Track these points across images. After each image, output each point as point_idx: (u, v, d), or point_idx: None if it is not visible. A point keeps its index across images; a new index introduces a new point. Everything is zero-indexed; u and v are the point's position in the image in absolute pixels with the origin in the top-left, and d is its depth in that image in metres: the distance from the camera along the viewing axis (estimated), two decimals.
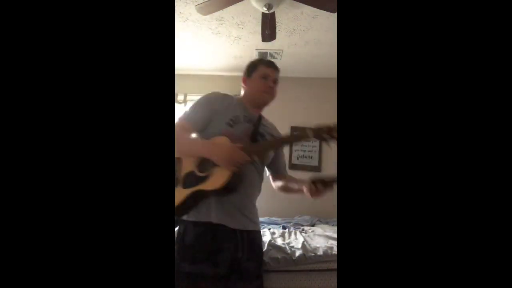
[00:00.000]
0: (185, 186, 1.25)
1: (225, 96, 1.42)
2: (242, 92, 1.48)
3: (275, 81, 1.47)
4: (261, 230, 2.60)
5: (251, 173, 1.35)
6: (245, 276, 1.28)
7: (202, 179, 1.23)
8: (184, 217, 1.28)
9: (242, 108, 1.41)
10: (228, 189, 1.22)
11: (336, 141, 1.18)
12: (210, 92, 1.43)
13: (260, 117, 1.47)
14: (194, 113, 1.35)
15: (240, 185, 1.26)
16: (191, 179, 1.25)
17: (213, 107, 1.35)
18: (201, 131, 1.31)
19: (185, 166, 1.28)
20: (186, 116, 1.34)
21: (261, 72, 1.45)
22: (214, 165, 1.21)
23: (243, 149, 1.21)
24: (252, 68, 1.48)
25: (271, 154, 1.47)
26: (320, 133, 1.21)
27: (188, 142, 1.28)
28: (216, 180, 1.21)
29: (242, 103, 1.44)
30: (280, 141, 1.48)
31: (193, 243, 1.24)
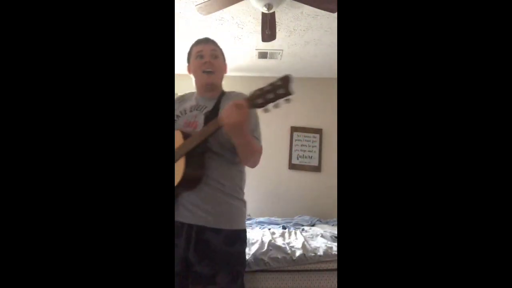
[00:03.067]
0: None
1: (183, 96, 1.38)
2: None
3: (214, 55, 1.32)
4: (261, 230, 2.63)
5: (217, 164, 1.19)
6: (196, 279, 1.15)
7: None
8: None
9: (194, 99, 1.34)
10: (187, 184, 1.13)
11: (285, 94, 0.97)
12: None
13: (220, 98, 1.30)
14: None
15: (202, 178, 1.15)
16: None
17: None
18: None
19: None
20: None
21: (194, 51, 1.36)
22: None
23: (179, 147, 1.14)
24: (189, 54, 1.40)
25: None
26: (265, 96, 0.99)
27: None
28: (175, 176, 1.13)
29: (197, 94, 1.37)
30: (215, 124, 1.10)
31: None
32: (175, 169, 1.13)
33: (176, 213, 1.16)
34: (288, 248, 2.09)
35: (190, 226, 1.16)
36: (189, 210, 1.16)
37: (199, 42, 1.38)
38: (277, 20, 2.49)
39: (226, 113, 1.02)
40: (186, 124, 1.26)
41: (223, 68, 1.37)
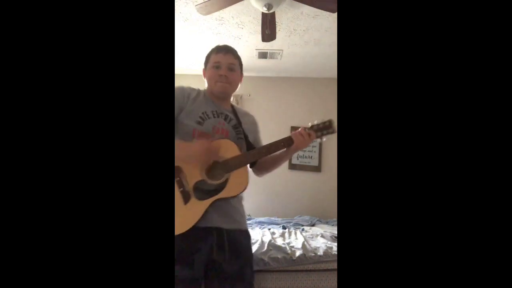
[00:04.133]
0: (199, 196, 1.16)
1: (191, 90, 1.34)
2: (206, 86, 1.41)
3: (231, 68, 1.33)
4: (261, 230, 2.63)
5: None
6: (223, 278, 1.19)
7: (219, 187, 1.17)
8: None
9: (210, 102, 1.34)
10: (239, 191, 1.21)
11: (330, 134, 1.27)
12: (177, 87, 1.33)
13: (234, 110, 1.38)
14: None
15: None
16: (204, 188, 1.17)
17: (178, 103, 1.26)
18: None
19: (191, 175, 1.17)
20: None
21: (212, 61, 1.34)
22: (226, 170, 1.17)
23: (241, 156, 1.20)
24: (206, 59, 1.39)
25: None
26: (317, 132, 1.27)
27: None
28: (237, 185, 1.18)
29: (208, 97, 1.36)
30: (266, 150, 1.27)
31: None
32: (240, 177, 1.19)
33: (206, 219, 1.17)
34: (288, 248, 2.09)
35: (220, 230, 1.20)
36: (224, 216, 1.22)
37: (218, 51, 1.35)
38: (277, 20, 2.49)
39: (301, 138, 1.25)
40: (215, 129, 1.28)
41: (238, 81, 1.39)
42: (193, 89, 1.36)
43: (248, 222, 3.05)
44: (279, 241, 2.26)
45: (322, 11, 2.29)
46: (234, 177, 1.18)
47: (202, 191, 1.17)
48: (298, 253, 2.02)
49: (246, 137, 1.32)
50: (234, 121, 1.33)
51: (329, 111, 3.74)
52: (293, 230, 2.67)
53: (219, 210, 1.20)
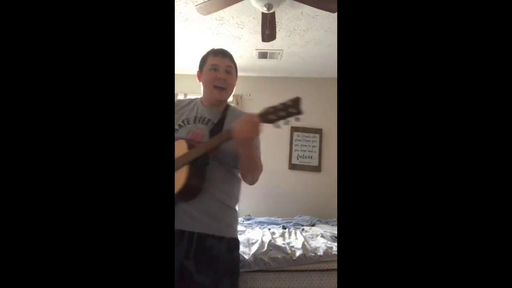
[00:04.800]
0: None
1: (183, 101, 1.35)
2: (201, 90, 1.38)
3: (228, 71, 1.30)
4: (261, 230, 2.63)
5: (220, 174, 1.23)
6: None
7: None
8: None
9: (199, 108, 1.32)
10: (188, 193, 1.14)
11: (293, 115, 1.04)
12: None
13: (225, 114, 1.31)
14: None
15: (202, 186, 1.16)
16: None
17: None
18: None
19: None
20: None
21: (209, 63, 1.31)
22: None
23: (184, 155, 1.14)
24: (202, 61, 1.35)
25: (231, 150, 1.17)
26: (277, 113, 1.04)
27: None
28: (176, 183, 1.13)
29: (200, 103, 1.34)
30: (225, 136, 1.13)
31: None
32: (176, 177, 1.12)
33: (176, 220, 1.12)
34: (288, 248, 2.09)
35: (191, 234, 1.16)
36: (192, 218, 1.16)
37: (216, 54, 1.33)
38: (277, 20, 2.49)
39: (240, 127, 1.05)
40: (189, 135, 1.25)
41: (234, 85, 1.36)
42: (186, 99, 1.36)
43: (248, 222, 3.07)
44: (279, 241, 2.26)
45: (322, 11, 2.28)
46: (176, 176, 1.12)
47: None
48: (298, 253, 2.02)
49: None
50: (213, 123, 1.28)
51: (329, 111, 3.74)
52: (293, 230, 2.67)
53: (191, 213, 1.16)
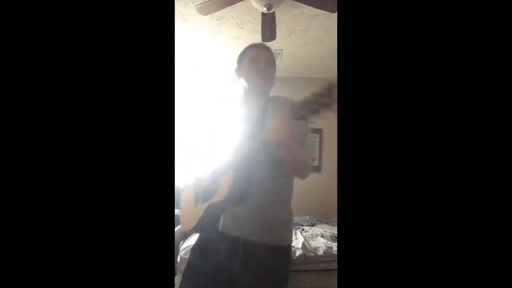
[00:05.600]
0: (203, 201, 1.17)
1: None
2: (239, 88, 1.34)
3: (268, 62, 1.29)
4: None
5: (266, 177, 1.17)
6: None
7: (215, 192, 1.15)
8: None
9: (242, 103, 1.30)
10: (235, 198, 1.13)
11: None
12: None
13: (266, 107, 1.27)
14: None
15: (247, 193, 1.14)
16: (207, 194, 1.17)
17: None
18: None
19: (203, 180, 1.22)
20: None
21: (250, 55, 1.30)
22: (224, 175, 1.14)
23: None
24: (241, 56, 1.35)
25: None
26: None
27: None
28: (223, 190, 1.13)
29: (243, 97, 1.31)
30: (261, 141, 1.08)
31: (199, 239, 1.26)
32: (224, 183, 1.13)
33: (222, 224, 1.15)
34: None
35: (235, 237, 1.14)
36: (237, 223, 1.15)
37: (255, 47, 1.32)
38: (277, 20, 2.48)
39: (272, 129, 1.01)
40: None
41: (274, 75, 1.34)
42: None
43: None
44: None
45: (322, 11, 2.28)
46: (224, 181, 1.13)
47: (206, 196, 1.17)
48: (298, 253, 2.02)
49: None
50: (254, 119, 1.25)
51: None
52: (293, 230, 2.66)
53: (237, 217, 1.15)
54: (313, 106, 0.89)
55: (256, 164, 1.15)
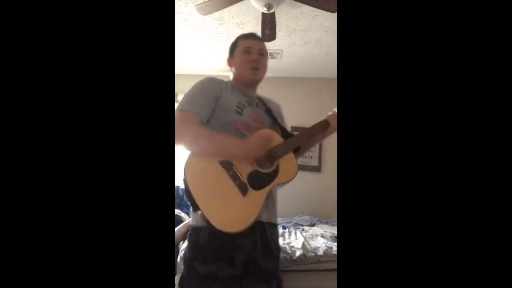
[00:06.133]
0: (256, 188, 1.10)
1: (220, 81, 1.28)
2: (231, 76, 1.36)
3: (261, 53, 1.31)
4: None
5: None
6: (261, 276, 1.12)
7: (272, 174, 1.15)
8: (196, 215, 1.13)
9: (239, 92, 1.29)
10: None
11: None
12: (202, 79, 1.27)
13: (260, 97, 1.36)
14: (195, 103, 1.17)
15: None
16: (259, 179, 1.12)
17: (214, 94, 1.20)
18: (205, 123, 1.17)
19: (241, 167, 1.11)
20: (188, 108, 1.15)
21: (241, 46, 1.31)
22: (274, 158, 1.15)
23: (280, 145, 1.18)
24: (233, 46, 1.36)
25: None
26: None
27: (222, 141, 1.11)
28: (289, 170, 1.17)
29: (236, 86, 1.31)
30: (307, 134, 1.28)
31: (206, 242, 1.08)
32: (290, 163, 1.18)
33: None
34: (288, 248, 2.09)
35: (262, 224, 1.17)
36: (266, 209, 1.17)
37: (247, 37, 1.33)
38: (277, 20, 2.49)
39: (335, 120, 1.32)
40: (253, 118, 1.25)
41: (266, 66, 1.35)
42: (221, 80, 1.29)
43: None
44: (279, 241, 2.26)
45: (322, 11, 2.28)
46: (284, 163, 1.17)
47: (257, 181, 1.12)
48: (298, 253, 2.02)
49: (278, 123, 1.30)
50: (264, 108, 1.32)
51: (329, 111, 3.74)
52: (293, 230, 2.67)
53: (269, 202, 1.19)
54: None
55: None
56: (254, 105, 1.30)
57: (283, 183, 1.17)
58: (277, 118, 1.31)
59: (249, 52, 1.29)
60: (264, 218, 1.18)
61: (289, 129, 1.34)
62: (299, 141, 1.24)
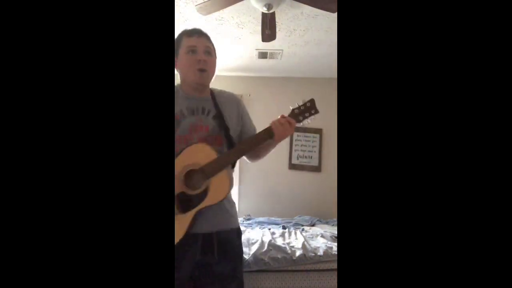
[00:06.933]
0: (184, 210, 1.10)
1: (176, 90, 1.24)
2: (178, 78, 1.25)
3: (208, 51, 1.20)
4: (261, 230, 2.63)
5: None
6: (217, 279, 1.17)
7: (201, 196, 1.10)
8: None
9: (184, 97, 1.21)
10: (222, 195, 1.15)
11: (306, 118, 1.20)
12: None
13: (215, 101, 1.24)
14: None
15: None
16: (186, 201, 1.10)
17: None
18: None
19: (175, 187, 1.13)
20: None
21: (186, 45, 1.19)
22: (204, 177, 1.10)
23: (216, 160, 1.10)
24: (176, 44, 1.21)
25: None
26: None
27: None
28: (220, 189, 1.12)
29: (183, 91, 1.22)
30: (265, 136, 1.17)
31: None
32: (221, 182, 1.12)
33: (194, 227, 1.13)
34: (288, 248, 2.09)
35: (208, 233, 1.17)
36: (209, 220, 1.16)
37: (191, 34, 1.20)
38: (277, 20, 2.48)
39: (281, 128, 1.15)
40: (194, 128, 1.18)
41: (214, 66, 1.25)
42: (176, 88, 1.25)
43: (248, 222, 3.07)
44: (279, 241, 2.27)
45: (322, 11, 2.28)
46: (214, 183, 1.11)
47: (184, 203, 1.10)
48: (298, 253, 2.02)
49: (227, 129, 1.21)
50: (213, 112, 1.22)
51: (329, 111, 3.74)
52: (293, 230, 2.67)
53: (207, 216, 1.15)
54: (305, 113, 1.20)
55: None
56: (200, 111, 1.21)
57: (211, 205, 1.12)
58: (227, 123, 1.21)
59: (194, 51, 1.18)
60: (206, 229, 1.16)
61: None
62: (234, 156, 1.16)
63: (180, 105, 1.19)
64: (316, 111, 1.21)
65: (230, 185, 1.17)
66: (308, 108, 1.20)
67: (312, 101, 1.21)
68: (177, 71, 1.24)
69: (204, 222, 1.15)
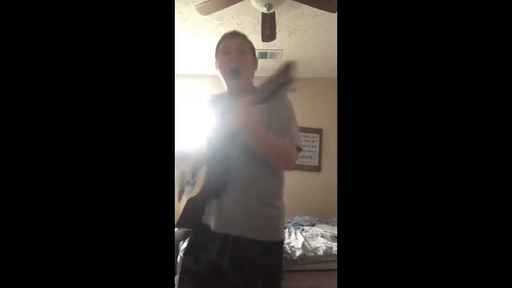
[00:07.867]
0: (186, 196, 1.17)
1: (218, 95, 1.25)
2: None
3: (242, 50, 1.16)
4: None
5: (248, 168, 1.10)
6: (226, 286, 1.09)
7: (193, 186, 1.14)
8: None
9: (227, 101, 1.19)
10: (210, 191, 1.09)
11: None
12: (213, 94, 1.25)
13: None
14: None
15: (226, 185, 1.08)
16: (188, 188, 1.18)
17: None
18: None
19: (183, 175, 1.22)
20: None
21: (221, 48, 1.20)
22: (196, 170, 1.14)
23: None
24: (216, 48, 1.24)
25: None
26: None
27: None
28: (199, 184, 1.09)
29: (227, 95, 1.22)
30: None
31: (189, 240, 1.27)
32: (199, 177, 1.13)
33: (208, 219, 1.13)
34: (288, 248, 2.09)
35: (225, 235, 1.09)
36: (224, 219, 1.10)
37: (226, 37, 1.21)
38: (277, 20, 2.48)
39: (234, 116, 0.96)
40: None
41: (251, 65, 1.20)
42: (219, 95, 1.23)
43: None
44: None
45: (322, 11, 2.28)
46: (199, 175, 1.12)
47: (188, 191, 1.18)
48: (298, 253, 2.02)
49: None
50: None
51: (329, 111, 3.74)
52: (293, 230, 2.67)
53: (226, 211, 1.09)
54: (270, 87, 0.89)
55: (233, 156, 1.08)
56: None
57: (194, 197, 1.10)
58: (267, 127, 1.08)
59: (228, 52, 1.16)
60: (229, 231, 1.09)
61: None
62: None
63: (221, 109, 1.16)
64: (289, 80, 0.87)
65: (205, 182, 1.08)
66: (276, 78, 0.89)
67: (286, 67, 0.88)
68: (219, 74, 1.22)
69: (220, 220, 1.09)
